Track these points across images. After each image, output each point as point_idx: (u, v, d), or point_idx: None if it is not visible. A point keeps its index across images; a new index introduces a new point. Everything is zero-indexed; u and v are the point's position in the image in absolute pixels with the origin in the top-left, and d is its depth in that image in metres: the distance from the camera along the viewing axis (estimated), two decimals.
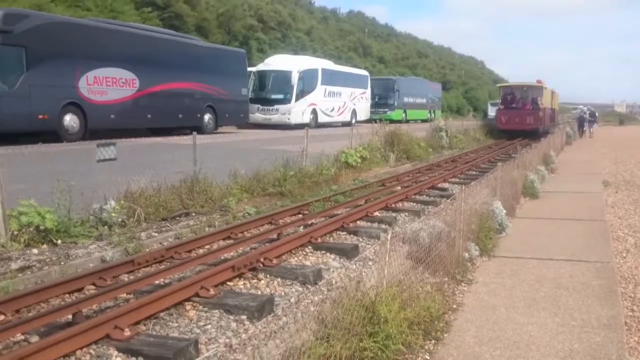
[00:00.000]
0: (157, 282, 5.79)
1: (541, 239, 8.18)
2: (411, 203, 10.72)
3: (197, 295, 5.25)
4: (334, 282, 5.24)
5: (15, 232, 6.83)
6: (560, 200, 11.57)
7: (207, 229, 8.14)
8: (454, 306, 5.32)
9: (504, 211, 8.48)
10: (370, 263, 6.15)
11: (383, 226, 8.60)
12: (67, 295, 5.41)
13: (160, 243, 7.40)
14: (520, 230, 8.74)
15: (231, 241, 7.42)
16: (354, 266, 6.17)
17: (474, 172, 15.08)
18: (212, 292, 5.31)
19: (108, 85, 20.04)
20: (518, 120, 31.91)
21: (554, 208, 10.68)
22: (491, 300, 5.52)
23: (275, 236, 7.65)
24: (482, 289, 5.89)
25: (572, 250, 7.46)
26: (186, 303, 5.18)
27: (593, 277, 6.29)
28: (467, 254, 6.64)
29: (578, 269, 6.58)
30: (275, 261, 6.40)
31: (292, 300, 5.41)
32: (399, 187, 12.33)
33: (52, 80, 17.71)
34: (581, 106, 60.31)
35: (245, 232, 8.01)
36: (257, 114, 30.12)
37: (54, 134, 17.61)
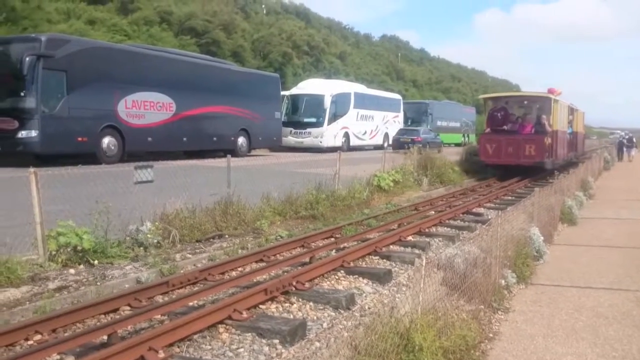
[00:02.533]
0: (191, 303, 5.81)
1: (580, 266, 7.99)
2: (445, 228, 10.60)
3: (230, 318, 5.25)
4: (367, 307, 5.19)
5: (53, 252, 6.96)
6: (599, 227, 11.29)
7: (240, 251, 8.17)
8: (491, 335, 5.21)
9: (542, 238, 8.30)
10: (404, 289, 6.07)
11: (416, 251, 8.51)
12: (102, 315, 5.47)
13: (195, 265, 7.46)
14: (558, 257, 8.55)
15: (264, 264, 7.42)
16: (388, 292, 6.11)
17: (510, 197, 14.84)
18: (245, 315, 5.31)
19: (146, 109, 20.46)
20: (511, 151, 20.08)
21: (593, 235, 10.43)
22: (529, 329, 5.39)
23: (307, 259, 7.63)
24: (520, 317, 5.76)
25: (612, 278, 7.26)
26: (219, 325, 5.18)
27: (634, 306, 6.10)
28: (503, 281, 6.51)
29: (618, 298, 6.39)
30: (307, 285, 6.37)
31: (325, 325, 5.36)
32: (433, 212, 12.21)
33: (92, 104, 18.16)
34: (619, 131, 59.13)
35: (278, 255, 8.02)
36: (290, 137, 30.34)
37: (92, 156, 18.01)
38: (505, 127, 21.18)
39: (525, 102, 23.11)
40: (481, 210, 12.82)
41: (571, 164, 24.31)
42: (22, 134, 16.55)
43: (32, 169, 7.13)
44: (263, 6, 75.53)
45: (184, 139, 22.15)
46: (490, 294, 5.98)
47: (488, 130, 21.65)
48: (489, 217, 10.32)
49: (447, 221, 11.07)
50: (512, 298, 6.39)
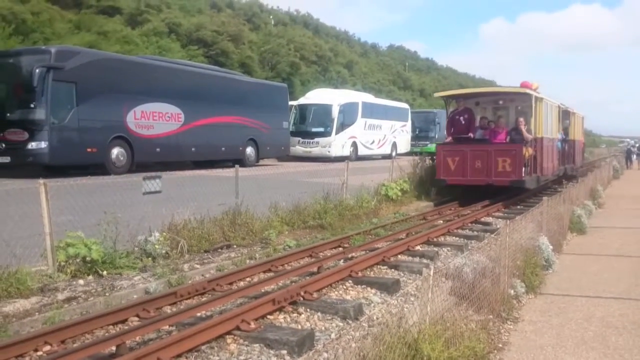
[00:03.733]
0: (199, 314, 5.82)
1: (589, 276, 7.94)
2: (453, 237, 10.56)
3: (238, 328, 5.25)
4: (375, 317, 5.17)
5: (63, 263, 6.99)
6: (609, 236, 11.22)
7: (248, 261, 8.18)
8: (500, 345, 5.18)
9: (551, 247, 8.26)
10: (412, 299, 6.06)
11: (425, 261, 8.48)
12: (111, 326, 5.48)
13: (203, 275, 7.47)
14: (568, 266, 8.50)
15: (272, 274, 7.42)
16: (396, 302, 6.09)
17: (519, 207, 14.77)
18: (252, 325, 5.30)
19: (154, 119, 20.56)
20: (479, 166, 15.05)
21: (602, 244, 10.36)
22: (538, 340, 5.36)
23: (315, 269, 7.62)
24: (529, 327, 5.72)
25: (622, 288, 7.21)
26: (227, 336, 5.18)
27: None
28: (512, 291, 6.47)
29: (628, 308, 6.34)
30: (315, 295, 6.36)
31: (333, 335, 5.35)
32: (441, 221, 12.17)
33: (101, 115, 18.28)
34: (628, 139, 58.89)
35: (286, 265, 8.02)
36: (298, 147, 30.38)
37: (101, 167, 18.11)
38: (471, 135, 15.90)
39: (500, 102, 17.64)
40: (490, 219, 12.77)
41: (567, 178, 21.50)
42: (32, 145, 16.66)
43: (41, 181, 7.18)
44: (271, 17, 75.92)
45: (193, 149, 22.24)
46: (499, 303, 5.95)
47: (449, 139, 16.42)
48: (498, 226, 10.27)
49: (455, 230, 11.04)
50: (521, 308, 6.36)
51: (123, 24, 41.10)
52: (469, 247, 8.93)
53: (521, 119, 15.67)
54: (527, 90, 15.92)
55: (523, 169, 14.83)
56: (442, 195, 16.23)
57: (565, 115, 22.19)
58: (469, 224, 11.95)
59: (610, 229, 12.15)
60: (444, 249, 9.46)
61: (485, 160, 14.91)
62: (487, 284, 5.73)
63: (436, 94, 19.00)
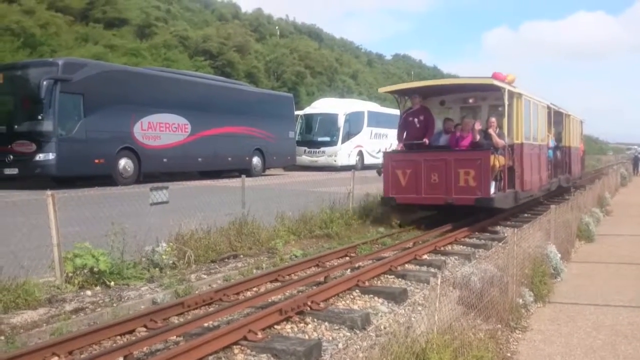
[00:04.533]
0: (206, 324, 5.80)
1: (598, 284, 7.89)
2: (461, 246, 10.52)
3: (245, 338, 5.24)
4: (382, 327, 5.15)
5: (70, 274, 7.01)
6: (617, 244, 11.16)
7: (254, 271, 8.17)
8: (508, 354, 5.15)
9: (559, 255, 8.22)
10: (419, 308, 6.03)
11: (432, 270, 8.45)
12: (119, 337, 5.48)
13: (210, 285, 7.46)
14: (576, 275, 8.45)
15: (278, 284, 7.41)
16: (403, 311, 6.06)
17: (527, 215, 14.69)
18: (259, 335, 5.29)
19: (161, 130, 20.68)
20: (436, 181, 11.92)
21: (611, 252, 10.30)
22: (547, 349, 5.32)
23: (322, 279, 7.60)
24: (537, 336, 5.69)
25: (631, 295, 7.16)
26: (234, 346, 5.16)
27: None
28: (521, 300, 6.44)
29: (637, 316, 6.30)
30: (322, 305, 6.34)
31: (340, 345, 5.33)
32: (449, 229, 12.11)
33: (108, 126, 18.39)
34: (636, 146, 58.59)
35: (292, 275, 8.00)
36: (304, 157, 30.44)
37: (109, 178, 18.18)
38: (425, 141, 12.68)
39: (470, 100, 14.19)
40: (497, 228, 12.70)
41: (560, 192, 18.81)
42: (40, 156, 16.77)
43: (49, 192, 7.22)
44: (277, 27, 76.30)
45: (199, 159, 22.32)
46: (507, 312, 5.92)
47: (400, 146, 13.17)
48: (506, 234, 10.23)
49: (462, 239, 10.99)
50: (529, 317, 6.32)
51: (131, 36, 41.40)
52: (477, 256, 8.91)
53: (493, 120, 12.31)
54: (496, 82, 12.00)
55: (493, 183, 11.71)
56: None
57: (558, 118, 19.12)
58: (477, 233, 11.87)
59: (618, 236, 12.08)
60: (451, 257, 9.43)
61: (444, 173, 11.60)
62: (495, 293, 5.71)
63: (381, 89, 14.48)
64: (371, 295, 6.99)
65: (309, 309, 6.18)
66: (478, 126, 12.39)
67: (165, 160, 20.73)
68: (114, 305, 6.39)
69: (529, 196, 14.04)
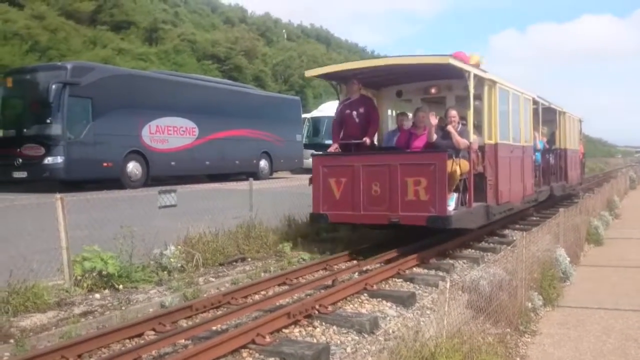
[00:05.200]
0: (214, 328, 5.81)
1: (607, 287, 7.84)
2: (469, 250, 10.47)
3: (253, 342, 5.24)
4: (391, 331, 5.14)
5: (79, 277, 7.04)
6: (627, 247, 11.09)
7: (262, 274, 8.17)
8: (518, 359, 5.12)
9: (568, 259, 8.18)
10: (428, 312, 6.01)
11: (440, 273, 8.42)
12: (127, 340, 5.49)
13: (218, 288, 7.47)
14: (585, 278, 8.40)
15: (286, 287, 7.41)
16: (412, 315, 6.05)
17: (534, 218, 14.62)
18: (268, 339, 5.29)
19: (169, 133, 20.76)
20: (378, 193, 9.09)
21: (620, 255, 10.23)
22: (556, 353, 5.29)
23: (330, 282, 7.60)
24: (547, 340, 5.66)
25: None
26: (242, 350, 5.17)
27: None
28: (530, 304, 6.40)
29: None
30: (330, 308, 6.33)
31: (349, 349, 5.32)
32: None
33: (117, 130, 18.47)
34: None
35: (300, 278, 7.99)
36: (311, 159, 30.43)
37: (117, 181, 18.25)
38: (366, 140, 9.97)
39: (433, 91, 11.37)
40: (506, 231, 12.64)
41: (552, 203, 16.14)
42: (49, 160, 16.86)
43: (58, 195, 7.25)
44: (284, 31, 76.40)
45: (207, 162, 22.37)
46: (516, 316, 5.89)
47: (334, 147, 10.31)
48: (514, 238, 10.18)
49: (471, 243, 10.95)
50: (538, 321, 6.29)
51: (138, 39, 41.57)
52: (485, 260, 8.89)
53: (453, 113, 9.85)
54: (454, 61, 8.94)
55: (453, 196, 9.24)
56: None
57: (550, 115, 16.77)
58: (485, 236, 11.82)
59: (627, 240, 12.01)
60: (459, 261, 9.38)
61: (387, 183, 8.96)
62: (504, 297, 5.68)
63: (307, 73, 11.00)
64: (379, 299, 6.97)
65: (317, 312, 6.18)
66: (434, 121, 9.75)
67: (173, 163, 20.80)
68: (123, 308, 6.41)
69: (506, 210, 11.31)
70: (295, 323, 5.92)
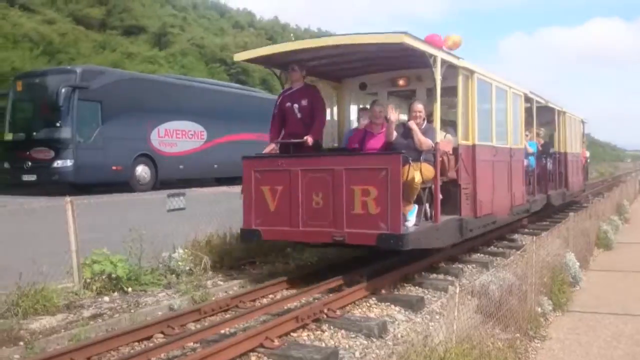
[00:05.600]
0: (222, 331, 5.81)
1: (617, 292, 7.79)
2: (478, 254, 10.43)
3: (261, 345, 5.23)
4: (399, 335, 5.13)
5: (88, 280, 7.07)
6: (636, 252, 11.02)
7: (270, 278, 8.17)
8: None
9: (578, 263, 8.14)
10: (437, 317, 5.99)
11: (449, 278, 8.38)
12: (136, 343, 5.50)
13: (226, 291, 7.48)
14: (595, 283, 8.36)
15: (294, 291, 7.40)
16: (421, 319, 6.03)
17: (545, 223, 14.53)
18: (276, 343, 5.28)
19: (178, 137, 20.83)
20: (320, 204, 7.44)
21: (630, 260, 10.17)
22: (566, 358, 5.27)
23: (338, 286, 7.58)
24: (556, 345, 5.63)
25: None
26: (251, 354, 5.16)
27: None
28: (539, 309, 6.37)
29: None
30: (338, 312, 6.32)
31: (357, 354, 5.31)
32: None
33: (126, 133, 18.54)
34: None
35: (309, 282, 7.98)
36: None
37: (126, 185, 18.32)
38: (308, 140, 8.22)
39: (400, 82, 9.85)
40: (515, 236, 12.58)
41: (549, 213, 15.14)
42: (58, 163, 16.94)
43: (68, 198, 7.29)
44: (292, 35, 76.56)
45: (215, 165, 22.41)
46: (526, 321, 5.86)
47: (270, 147, 8.75)
48: (524, 242, 10.14)
49: (479, 247, 10.91)
50: (548, 326, 6.26)
51: (148, 44, 41.76)
52: (495, 264, 8.85)
53: (418, 107, 8.11)
54: (409, 40, 7.11)
55: (413, 208, 7.59)
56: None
57: (547, 115, 15.22)
58: (494, 241, 11.76)
59: (637, 244, 11.93)
60: (468, 266, 9.35)
61: (331, 192, 7.37)
62: (514, 302, 5.66)
63: (236, 56, 8.82)
64: (388, 303, 6.95)
65: (325, 316, 6.17)
66: (393, 116, 7.84)
67: (181, 167, 20.87)
68: (132, 311, 6.42)
69: (488, 223, 9.68)
70: (304, 327, 5.92)
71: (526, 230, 13.20)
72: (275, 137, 8.75)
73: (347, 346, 5.53)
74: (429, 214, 8.02)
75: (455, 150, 8.55)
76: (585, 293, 7.74)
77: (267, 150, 8.72)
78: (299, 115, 8.50)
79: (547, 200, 14.09)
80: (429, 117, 8.29)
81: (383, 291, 7.34)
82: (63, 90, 16.76)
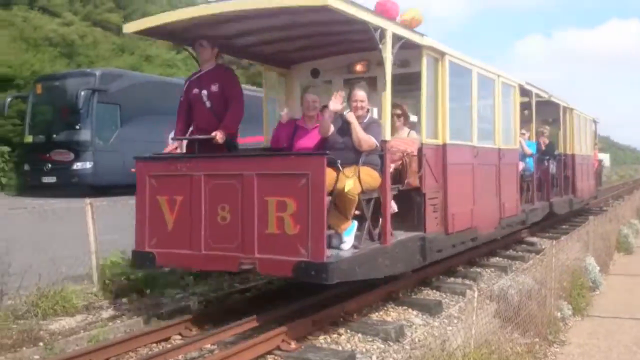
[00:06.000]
0: (240, 332, 5.81)
1: (638, 297, 7.68)
2: (497, 258, 10.33)
3: (278, 348, 5.25)
4: (417, 340, 5.10)
5: (107, 282, 7.12)
6: None
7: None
8: None
9: (597, 267, 8.04)
10: (455, 321, 5.95)
11: (467, 282, 8.32)
12: (154, 344, 5.54)
13: (243, 293, 7.49)
14: (615, 287, 8.25)
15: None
16: (438, 323, 5.99)
17: (564, 226, 14.34)
18: (293, 345, 5.29)
19: None
20: (227, 220, 5.66)
21: None
22: None
23: (355, 289, 7.55)
24: (576, 350, 5.56)
25: None
26: (268, 356, 5.18)
27: None
28: (559, 313, 6.31)
29: None
30: (355, 316, 6.31)
31: (374, 357, 5.28)
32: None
33: (144, 136, 18.67)
34: None
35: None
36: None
37: None
38: (216, 137, 6.40)
39: (358, 67, 8.09)
40: (534, 239, 12.43)
41: (552, 223, 13.77)
42: (77, 165, 17.14)
43: (88, 200, 7.36)
44: None
45: None
46: (545, 326, 5.80)
47: (172, 147, 7.09)
48: (543, 246, 10.03)
49: (498, 250, 10.80)
50: (567, 330, 6.19)
51: (166, 47, 42.04)
52: (513, 268, 8.77)
53: (359, 95, 6.29)
54: (334, 3, 5.32)
55: (349, 227, 5.92)
56: None
57: (550, 111, 13.63)
58: (513, 244, 11.64)
59: None
60: (487, 270, 9.27)
61: (238, 204, 5.69)
62: (533, 306, 5.61)
63: (127, 27, 6.72)
64: (405, 307, 6.90)
65: (342, 319, 6.16)
66: (333, 104, 6.06)
67: None
68: (150, 312, 6.45)
69: (465, 241, 8.05)
70: (321, 330, 5.91)
71: (545, 233, 13.03)
72: (181, 133, 6.98)
73: (364, 350, 5.51)
74: (376, 233, 6.21)
75: (420, 151, 7.02)
76: (605, 297, 7.64)
77: (168, 149, 6.98)
78: (208, 105, 6.71)
79: (550, 209, 12.37)
80: (403, 115, 7.39)
81: (400, 294, 7.30)
82: (82, 93, 16.96)
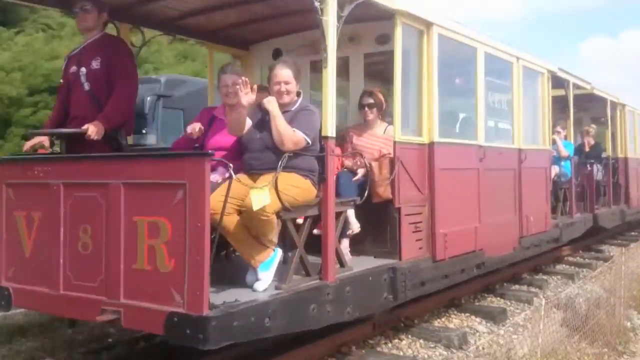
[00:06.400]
0: (299, 336, 5.84)
1: None
2: (563, 265, 10.01)
3: (339, 352, 5.25)
4: (481, 347, 5.01)
5: None
6: None
7: None
8: None
9: None
10: (520, 329, 5.81)
11: (533, 289, 8.10)
12: None
13: None
14: None
15: None
16: (503, 332, 5.86)
17: (634, 233, 13.76)
18: (353, 349, 5.29)
19: None
20: (88, 248, 3.88)
21: None
22: None
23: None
24: None
25: None
26: (329, 358, 5.18)
27: None
28: (629, 323, 6.08)
29: None
30: (417, 321, 6.25)
31: None
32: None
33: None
34: None
35: None
36: None
37: None
38: (89, 128, 4.59)
39: (316, 43, 4.67)
40: (603, 246, 11.97)
41: (596, 241, 11.98)
42: None
43: None
44: None
45: None
46: (614, 336, 5.60)
47: (36, 140, 4.95)
48: (612, 254, 9.65)
49: (565, 258, 10.47)
50: (638, 341, 5.94)
51: (227, 54, 42.92)
52: (581, 276, 8.50)
53: (282, 75, 4.56)
54: None
55: (271, 256, 4.25)
56: None
57: (596, 107, 12.22)
58: (580, 251, 11.25)
59: None
60: (553, 277, 8.99)
61: (104, 226, 3.83)
62: (601, 315, 5.42)
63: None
64: (468, 314, 6.78)
65: (402, 324, 6.11)
66: (248, 97, 4.28)
67: None
68: None
69: (466, 269, 6.28)
70: (381, 334, 5.89)
71: (614, 240, 12.52)
72: (52, 125, 5.16)
73: (425, 356, 5.45)
74: (316, 265, 4.46)
75: (356, 152, 5.55)
76: None
77: (29, 145, 4.97)
78: (86, 87, 4.98)
79: (594, 222, 10.51)
80: (377, 105, 5.79)
81: (463, 301, 7.19)
82: (149, 98, 17.44)
